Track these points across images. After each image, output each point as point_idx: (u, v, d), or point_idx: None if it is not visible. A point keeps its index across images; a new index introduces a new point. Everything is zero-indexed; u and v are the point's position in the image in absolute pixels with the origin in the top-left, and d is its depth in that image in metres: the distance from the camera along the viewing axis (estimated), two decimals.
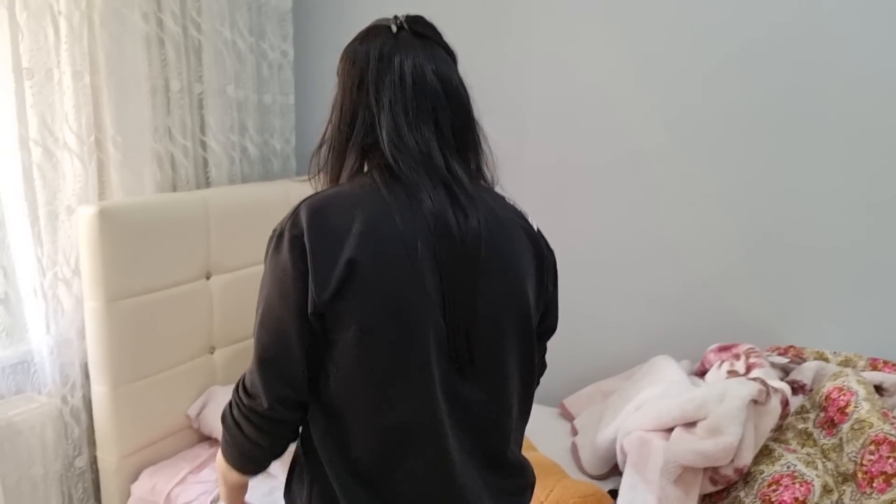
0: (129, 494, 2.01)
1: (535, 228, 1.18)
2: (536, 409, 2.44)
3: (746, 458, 1.44)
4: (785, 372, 2.00)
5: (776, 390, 1.62)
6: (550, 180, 2.48)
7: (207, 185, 2.40)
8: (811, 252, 2.16)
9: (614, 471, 1.99)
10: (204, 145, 2.37)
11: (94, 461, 2.08)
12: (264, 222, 2.38)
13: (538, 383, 1.27)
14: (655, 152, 2.32)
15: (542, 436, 2.25)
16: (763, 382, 1.61)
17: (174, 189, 2.27)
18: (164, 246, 2.01)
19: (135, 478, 2.02)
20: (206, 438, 2.17)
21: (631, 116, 2.33)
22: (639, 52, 2.29)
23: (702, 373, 2.05)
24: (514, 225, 1.13)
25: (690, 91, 2.23)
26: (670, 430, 1.66)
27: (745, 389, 1.47)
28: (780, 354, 2.06)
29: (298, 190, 2.49)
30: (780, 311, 2.24)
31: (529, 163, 2.50)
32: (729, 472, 1.45)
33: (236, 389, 1.10)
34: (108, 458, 1.99)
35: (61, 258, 1.98)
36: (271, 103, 2.65)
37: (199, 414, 2.13)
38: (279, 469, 1.74)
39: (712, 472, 1.46)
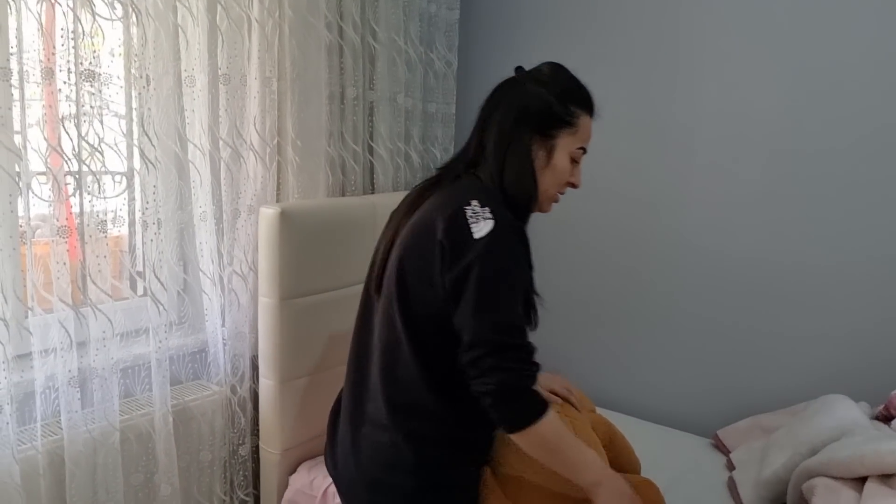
0: (286, 485, 2.07)
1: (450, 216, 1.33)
2: (688, 438, 2.36)
3: None
4: None
5: None
6: (717, 195, 2.37)
7: (373, 190, 2.46)
8: None
9: None
10: (372, 151, 2.43)
11: (256, 451, 2.16)
12: None
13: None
14: (835, 181, 2.16)
15: (695, 467, 2.16)
16: None
17: (343, 193, 2.34)
18: (334, 248, 2.08)
19: (293, 470, 2.09)
20: None
21: (807, 144, 2.19)
22: (808, 79, 2.15)
23: (885, 418, 1.89)
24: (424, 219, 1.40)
25: (873, 115, 2.07)
26: (861, 479, 1.54)
27: None
28: None
29: None
30: None
31: (695, 175, 2.40)
32: None
33: (525, 373, 1.30)
34: (270, 449, 2.06)
35: (240, 254, 2.08)
36: (434, 112, 2.69)
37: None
38: None
39: None
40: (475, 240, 1.28)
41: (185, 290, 2.08)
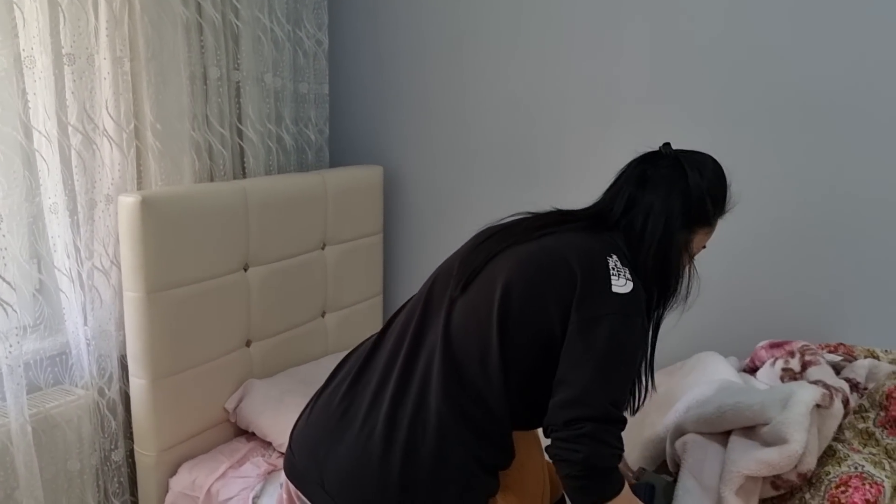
0: (167, 489, 1.97)
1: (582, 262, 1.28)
2: None
3: (810, 464, 1.38)
4: (836, 370, 1.95)
5: (837, 391, 1.57)
6: (588, 169, 2.42)
7: (244, 175, 2.36)
8: (860, 248, 2.10)
9: (661, 468, 1.95)
10: (241, 134, 2.33)
11: (130, 455, 2.04)
12: (301, 213, 2.37)
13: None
14: (699, 146, 2.25)
15: None
16: (825, 385, 1.55)
17: (211, 179, 2.23)
18: (203, 236, 1.97)
19: (172, 472, 1.99)
20: (244, 432, 2.14)
21: (665, 115, 2.27)
22: (664, 40, 2.23)
23: (751, 370, 2.00)
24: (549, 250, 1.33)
25: (734, 84, 2.17)
26: (727, 433, 1.60)
27: (808, 394, 1.40)
28: (829, 352, 2.01)
29: (335, 181, 2.44)
30: (828, 309, 2.18)
31: (566, 152, 2.45)
32: (792, 477, 1.39)
33: (617, 451, 1.20)
34: (145, 452, 1.95)
35: (100, 248, 1.95)
36: (307, 93, 2.60)
37: (236, 408, 2.10)
38: None
39: (774, 478, 1.40)
40: (613, 293, 1.21)
41: (40, 290, 1.92)
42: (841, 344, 2.09)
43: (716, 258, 2.28)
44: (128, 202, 1.81)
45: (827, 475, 1.42)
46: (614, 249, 1.30)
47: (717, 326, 2.32)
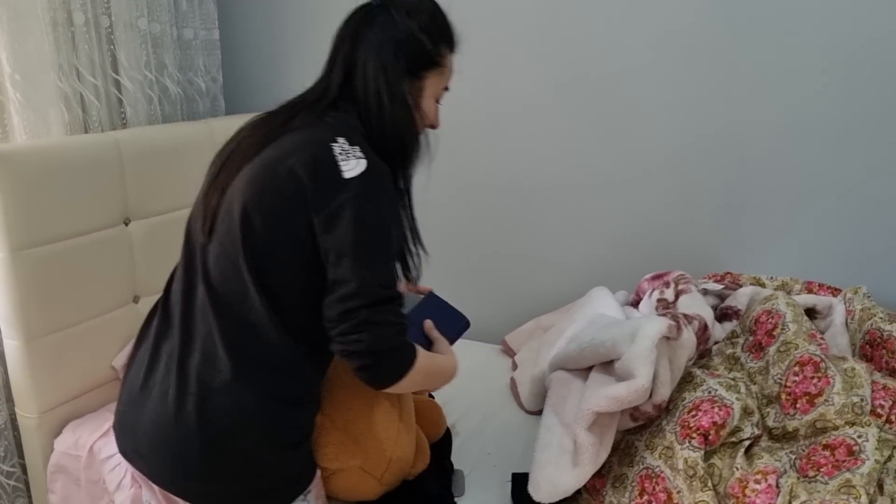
0: (52, 450, 1.94)
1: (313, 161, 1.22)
2: (479, 347, 2.43)
3: (664, 394, 1.40)
4: (721, 298, 1.98)
5: (690, 321, 1.57)
6: (485, 110, 2.39)
7: (124, 125, 2.26)
8: (749, 177, 2.12)
9: None
10: (118, 84, 2.23)
11: (13, 418, 2.00)
12: (187, 165, 2.30)
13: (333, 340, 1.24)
14: (591, 80, 2.23)
15: (483, 372, 2.23)
16: (673, 316, 1.55)
17: (86, 131, 2.14)
18: (73, 191, 1.90)
19: (58, 433, 1.95)
20: None
21: (571, 41, 2.23)
22: None
23: (636, 302, 2.02)
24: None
25: (630, 14, 2.14)
26: (590, 368, 1.62)
27: (653, 328, 1.41)
28: (716, 281, 2.04)
29: (224, 129, 2.36)
30: (720, 239, 2.21)
31: (462, 92, 2.40)
32: (648, 408, 1.41)
33: (400, 327, 1.22)
34: (27, 415, 1.91)
35: None
36: (192, 38, 2.50)
37: (124, 364, 2.05)
38: None
39: (632, 410, 1.42)
40: (345, 179, 1.17)
41: None
42: (728, 273, 2.12)
43: (605, 189, 2.29)
44: None
45: (682, 401, 1.44)
46: (340, 131, 1.25)
47: (615, 262, 2.34)
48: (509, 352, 2.36)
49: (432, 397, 1.97)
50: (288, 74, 2.66)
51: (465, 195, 2.50)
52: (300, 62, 2.63)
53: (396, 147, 1.32)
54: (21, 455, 2.02)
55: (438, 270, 2.59)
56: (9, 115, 1.94)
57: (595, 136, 2.27)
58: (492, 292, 2.55)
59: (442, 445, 1.76)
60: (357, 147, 1.21)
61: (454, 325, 1.53)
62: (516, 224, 2.45)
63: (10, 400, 1.98)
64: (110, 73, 2.20)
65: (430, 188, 2.51)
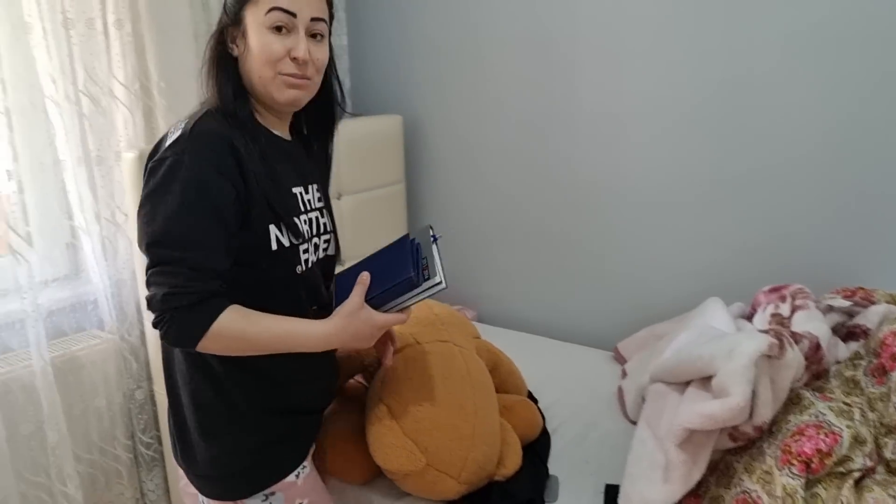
0: None
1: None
2: (590, 352, 2.40)
3: (765, 415, 1.32)
4: (849, 315, 1.84)
5: (799, 339, 1.47)
6: (603, 112, 2.35)
7: None
8: (886, 182, 1.96)
9: None
10: None
11: (153, 394, 2.20)
12: None
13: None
14: (712, 81, 2.14)
15: (590, 379, 2.21)
16: (777, 333, 1.45)
17: None
18: None
19: None
20: None
21: (695, 45, 2.15)
22: None
23: (751, 316, 1.92)
24: None
25: (761, 21, 2.03)
26: (687, 383, 1.56)
27: (752, 345, 1.33)
28: (845, 297, 1.90)
29: (348, 130, 2.48)
30: (852, 251, 2.05)
31: (580, 94, 2.38)
32: (748, 429, 1.34)
33: (180, 291, 1.17)
34: (163, 392, 2.09)
35: (114, 203, 2.07)
36: None
37: None
38: None
39: (731, 430, 1.36)
40: (166, 147, 1.18)
41: (65, 244, 2.07)
42: (860, 288, 1.97)
43: (727, 194, 2.18)
44: (128, 158, 1.91)
45: (786, 423, 1.37)
46: (183, 119, 1.25)
47: (729, 269, 2.24)
48: (620, 359, 2.31)
49: (532, 396, 1.97)
50: (413, 77, 2.74)
51: (581, 197, 2.47)
52: (424, 65, 2.69)
53: (232, 107, 1.26)
54: (157, 428, 2.22)
55: (552, 273, 2.59)
56: (155, 120, 2.13)
57: (716, 139, 2.17)
58: (606, 298, 2.51)
59: (538, 448, 1.76)
60: (183, 123, 1.21)
61: (393, 278, 1.26)
62: (633, 229, 2.39)
63: (149, 378, 2.18)
64: None
65: (546, 190, 2.51)
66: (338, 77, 1.42)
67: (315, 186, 1.41)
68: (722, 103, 2.14)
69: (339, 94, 1.42)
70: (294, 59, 1.24)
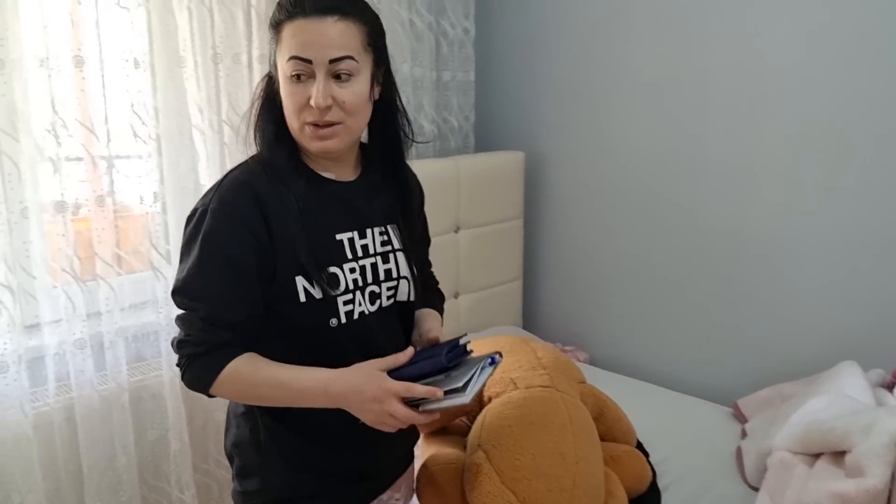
0: None
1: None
2: (707, 407, 2.29)
3: None
4: None
5: None
6: (735, 159, 2.26)
7: None
8: None
9: None
10: None
11: None
12: (433, 198, 2.40)
13: None
14: (864, 136, 2.01)
15: (706, 435, 2.10)
16: None
17: None
18: None
19: None
20: None
21: (830, 97, 2.04)
22: (828, 31, 1.99)
23: (892, 385, 1.77)
24: None
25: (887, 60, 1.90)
26: (817, 455, 1.45)
27: (895, 423, 1.23)
28: None
29: (469, 166, 2.52)
30: None
31: (710, 139, 2.30)
32: None
33: (191, 340, 1.21)
34: None
35: None
36: (450, 80, 2.69)
37: None
38: None
39: None
40: (204, 194, 1.24)
41: None
42: None
43: (869, 249, 2.03)
44: None
45: None
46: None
47: (868, 331, 2.08)
48: (740, 417, 2.19)
49: (642, 447, 1.90)
50: (537, 114, 2.74)
51: (706, 245, 2.38)
52: (550, 103, 2.69)
53: (273, 154, 1.24)
54: None
55: (670, 320, 2.50)
56: None
57: (863, 192, 2.04)
58: (727, 351, 2.39)
59: (646, 502, 1.69)
60: (230, 171, 1.24)
61: (427, 360, 1.18)
62: (762, 281, 2.28)
63: None
64: None
65: (669, 236, 2.44)
66: (402, 108, 1.33)
67: (379, 230, 1.31)
68: (870, 155, 2.01)
69: (404, 126, 1.32)
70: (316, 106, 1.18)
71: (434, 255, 2.42)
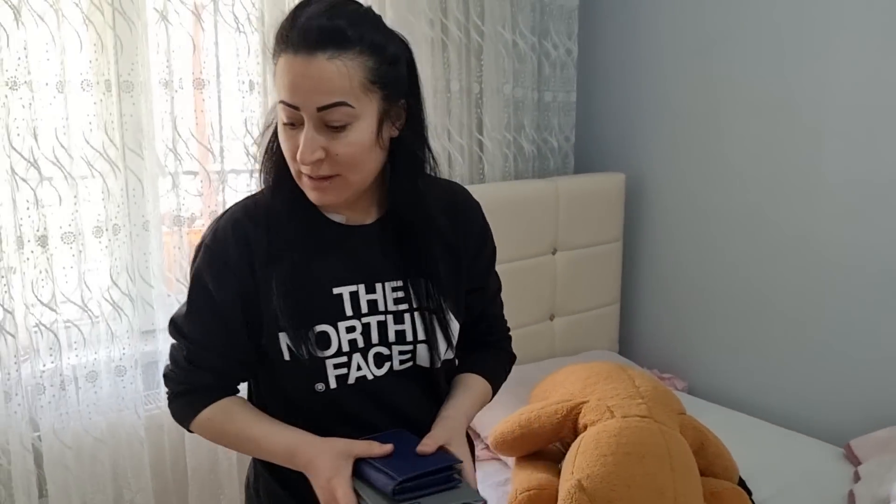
0: None
1: None
2: (816, 446, 2.18)
3: None
4: None
5: None
6: (853, 185, 2.15)
7: (482, 181, 2.51)
8: None
9: None
10: (480, 143, 2.49)
11: None
12: (531, 218, 2.45)
13: None
14: None
15: (816, 476, 1.99)
16: None
17: None
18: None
19: None
20: None
21: None
22: None
23: None
24: None
25: None
26: None
27: None
28: None
29: (569, 187, 2.50)
30: None
31: (826, 163, 2.19)
32: None
33: (174, 378, 1.18)
34: None
35: None
36: (551, 101, 2.68)
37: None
38: None
39: None
40: None
41: None
42: None
43: None
44: None
45: None
46: None
47: None
48: (853, 459, 2.06)
49: (744, 485, 1.82)
50: (640, 136, 2.69)
51: (819, 274, 2.26)
52: (653, 124, 2.64)
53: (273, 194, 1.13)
54: None
55: (777, 351, 2.39)
56: None
57: None
58: (840, 387, 2.25)
59: None
60: (238, 202, 1.15)
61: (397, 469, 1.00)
62: (880, 314, 2.14)
63: None
64: (475, 133, 2.47)
65: (777, 263, 2.33)
66: (426, 147, 1.12)
67: (393, 284, 1.13)
68: None
69: (425, 165, 1.12)
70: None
71: (530, 276, 2.44)
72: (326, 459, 1.01)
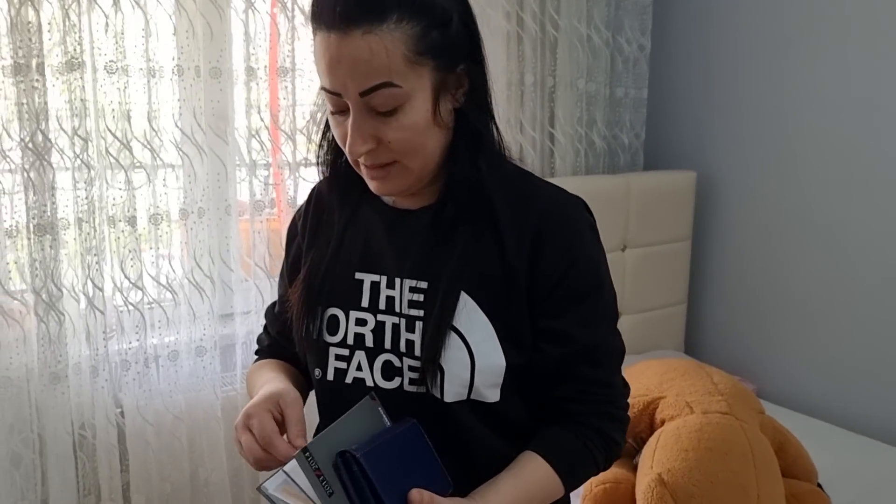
0: None
1: None
2: (890, 452, 2.11)
3: None
4: None
5: None
6: None
7: (552, 175, 2.51)
8: None
9: None
10: (552, 137, 2.48)
11: None
12: (601, 215, 2.38)
13: None
14: None
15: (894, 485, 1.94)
16: None
17: None
18: None
19: None
20: None
21: None
22: None
23: None
24: None
25: None
26: None
27: None
28: None
29: (640, 184, 2.47)
30: None
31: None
32: None
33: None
34: None
35: None
36: (623, 97, 2.66)
37: None
38: None
39: None
40: None
41: None
42: None
43: None
44: None
45: None
46: None
47: None
48: None
49: (821, 489, 1.78)
50: (712, 134, 2.65)
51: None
52: (726, 122, 2.60)
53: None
54: None
55: (852, 355, 2.32)
56: None
57: None
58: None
59: None
60: None
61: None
62: None
63: None
64: (547, 127, 2.46)
65: (854, 266, 2.27)
66: (490, 120, 0.98)
67: (412, 283, 0.96)
68: None
69: (487, 141, 0.97)
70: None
71: None
72: (257, 399, 0.92)
